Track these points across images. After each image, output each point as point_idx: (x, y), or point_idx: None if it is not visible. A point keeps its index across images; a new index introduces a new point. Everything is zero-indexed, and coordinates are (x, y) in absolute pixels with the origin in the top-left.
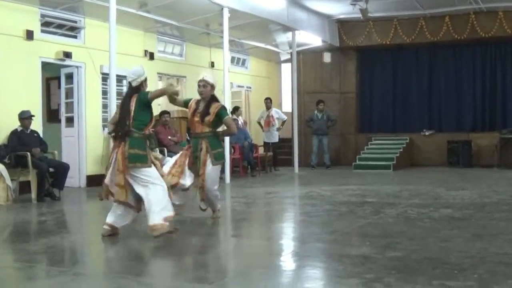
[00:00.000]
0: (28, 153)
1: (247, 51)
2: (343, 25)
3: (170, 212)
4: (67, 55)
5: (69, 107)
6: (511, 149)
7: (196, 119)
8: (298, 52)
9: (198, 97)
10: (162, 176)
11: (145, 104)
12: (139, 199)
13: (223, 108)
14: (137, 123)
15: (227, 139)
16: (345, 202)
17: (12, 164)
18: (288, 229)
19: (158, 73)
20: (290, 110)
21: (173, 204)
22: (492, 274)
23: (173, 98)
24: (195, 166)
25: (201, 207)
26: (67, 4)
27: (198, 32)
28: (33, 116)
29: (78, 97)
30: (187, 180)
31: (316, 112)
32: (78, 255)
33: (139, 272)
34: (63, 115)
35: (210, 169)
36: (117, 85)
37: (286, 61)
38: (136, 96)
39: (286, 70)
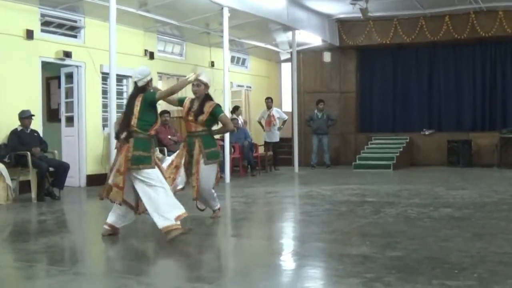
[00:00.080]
0: (28, 153)
1: (247, 50)
2: (343, 25)
3: (179, 211)
4: (67, 54)
5: (69, 106)
6: (511, 148)
7: (190, 118)
8: (298, 52)
9: (192, 96)
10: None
11: (150, 104)
12: (139, 200)
13: (218, 106)
14: (142, 123)
15: (227, 139)
16: (345, 201)
17: (12, 163)
18: (288, 228)
19: (158, 73)
20: (290, 110)
21: None
22: (492, 274)
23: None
24: (190, 165)
25: (199, 207)
26: (67, 4)
27: (198, 32)
28: (33, 115)
29: (78, 97)
30: (182, 180)
31: (316, 111)
32: (78, 254)
33: (139, 271)
34: (63, 114)
35: (204, 169)
36: (117, 85)
37: (286, 60)
38: (141, 96)
39: (286, 70)
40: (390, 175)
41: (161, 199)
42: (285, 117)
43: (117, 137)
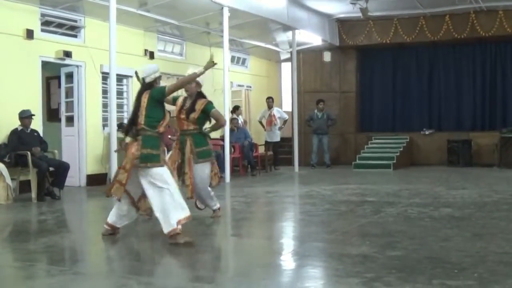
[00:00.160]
0: (28, 152)
1: (247, 50)
2: (343, 24)
3: (183, 214)
4: (67, 54)
5: (69, 106)
6: (511, 148)
7: (182, 116)
8: (298, 51)
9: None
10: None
11: (158, 100)
12: (143, 198)
13: (209, 102)
14: (149, 120)
15: (227, 139)
16: (345, 201)
17: (12, 163)
18: (288, 228)
19: None
20: (290, 109)
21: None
22: (492, 273)
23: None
24: (183, 163)
25: (198, 206)
26: (67, 4)
27: (198, 31)
28: (33, 115)
29: (78, 96)
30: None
31: (316, 111)
32: (78, 254)
33: (139, 271)
34: (63, 114)
35: (195, 167)
36: (117, 85)
37: (286, 60)
38: (148, 92)
39: (286, 69)
40: (390, 175)
41: (166, 201)
42: (286, 116)
43: (126, 134)
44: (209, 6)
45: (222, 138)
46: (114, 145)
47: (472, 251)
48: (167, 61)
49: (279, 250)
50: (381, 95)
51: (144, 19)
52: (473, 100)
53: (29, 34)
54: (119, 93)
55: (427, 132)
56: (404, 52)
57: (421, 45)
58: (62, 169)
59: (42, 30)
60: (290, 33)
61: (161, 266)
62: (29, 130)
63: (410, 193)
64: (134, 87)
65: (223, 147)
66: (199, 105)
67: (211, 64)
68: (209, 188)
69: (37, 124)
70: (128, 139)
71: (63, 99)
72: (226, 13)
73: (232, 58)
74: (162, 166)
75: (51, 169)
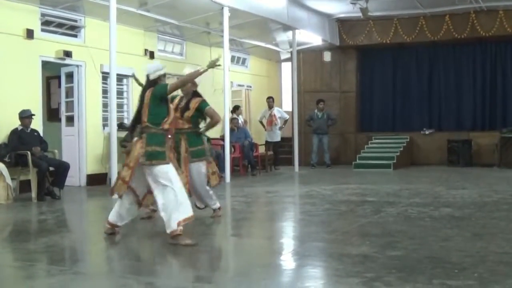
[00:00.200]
0: (28, 152)
1: (247, 50)
2: (343, 24)
3: (185, 214)
4: (67, 54)
5: (69, 106)
6: (511, 148)
7: (177, 115)
8: (298, 51)
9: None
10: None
11: (160, 97)
12: (148, 193)
13: (204, 101)
14: (152, 118)
15: (227, 139)
16: (345, 201)
17: (13, 163)
18: (288, 228)
19: None
20: (290, 109)
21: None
22: (492, 273)
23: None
24: (178, 162)
25: (198, 206)
26: (67, 3)
27: (198, 31)
28: (34, 115)
29: (78, 96)
30: None
31: (316, 111)
32: (78, 254)
33: (139, 271)
34: (63, 114)
35: (191, 166)
36: (117, 84)
37: (286, 60)
38: (151, 90)
39: (286, 69)
40: (390, 175)
41: (170, 199)
42: (287, 116)
43: (132, 133)
44: (209, 6)
45: (222, 138)
46: (114, 145)
47: (472, 251)
48: (167, 61)
49: (279, 250)
50: (381, 95)
51: (144, 19)
52: (473, 100)
53: (29, 34)
54: (119, 93)
55: (427, 132)
56: (404, 52)
57: (421, 45)
58: (62, 169)
59: (42, 30)
60: (290, 33)
61: (161, 266)
62: (29, 130)
63: (410, 193)
64: (134, 87)
65: (223, 147)
66: (194, 103)
67: (215, 63)
68: (208, 187)
69: (37, 124)
70: (136, 138)
71: (63, 99)
72: (226, 13)
73: (232, 58)
74: (167, 163)
75: (51, 169)
